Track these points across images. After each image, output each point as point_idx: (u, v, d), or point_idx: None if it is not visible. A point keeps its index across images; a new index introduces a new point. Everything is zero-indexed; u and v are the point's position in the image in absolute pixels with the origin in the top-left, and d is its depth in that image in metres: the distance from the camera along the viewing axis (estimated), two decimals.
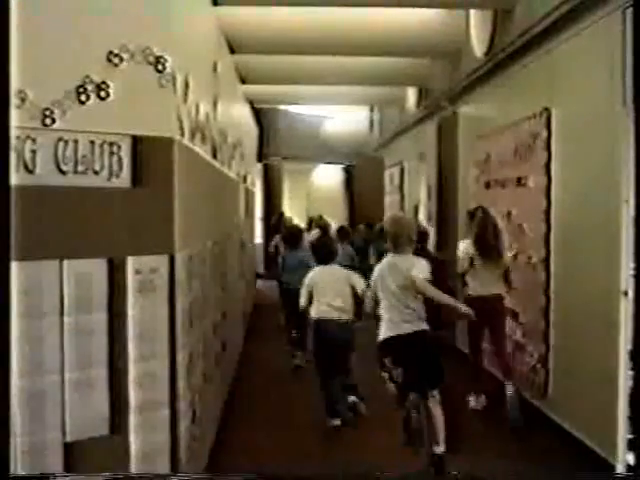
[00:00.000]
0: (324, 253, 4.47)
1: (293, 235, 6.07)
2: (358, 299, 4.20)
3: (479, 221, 4.42)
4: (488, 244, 4.38)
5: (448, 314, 4.06)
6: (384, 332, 3.54)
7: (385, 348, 3.54)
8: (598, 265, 3.64)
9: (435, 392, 3.48)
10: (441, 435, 3.45)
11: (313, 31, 5.68)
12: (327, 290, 4.27)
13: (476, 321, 3.69)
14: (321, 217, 8.00)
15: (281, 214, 9.13)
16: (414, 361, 3.46)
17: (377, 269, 3.68)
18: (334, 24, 5.63)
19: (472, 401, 4.63)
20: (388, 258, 3.64)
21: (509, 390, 4.22)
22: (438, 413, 3.46)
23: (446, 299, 3.49)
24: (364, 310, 3.92)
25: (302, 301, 4.39)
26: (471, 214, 4.60)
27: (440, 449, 3.45)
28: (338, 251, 4.65)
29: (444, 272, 4.90)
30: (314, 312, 4.32)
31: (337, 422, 4.24)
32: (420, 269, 3.48)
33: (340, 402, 4.33)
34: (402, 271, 3.49)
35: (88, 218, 2.40)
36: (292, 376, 5.66)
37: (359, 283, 4.25)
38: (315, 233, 7.04)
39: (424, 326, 3.50)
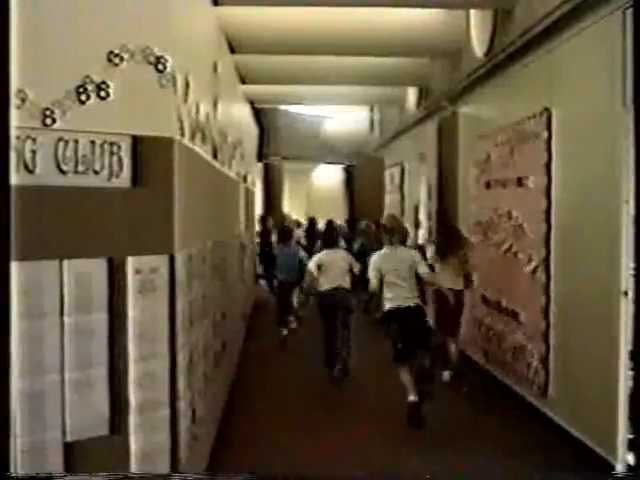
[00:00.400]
0: (330, 240, 5.85)
1: (285, 231, 7.38)
2: (354, 275, 5.62)
3: (442, 231, 5.85)
4: (451, 248, 5.52)
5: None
6: (390, 304, 4.62)
7: (391, 316, 4.63)
8: (598, 265, 3.64)
9: (426, 351, 4.58)
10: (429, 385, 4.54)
11: (313, 31, 5.68)
12: (334, 268, 5.54)
13: (444, 307, 5.14)
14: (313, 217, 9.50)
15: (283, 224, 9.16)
16: (413, 327, 4.54)
17: (378, 257, 4.73)
18: (334, 24, 5.63)
19: (444, 375, 5.42)
20: (386, 249, 4.77)
21: (452, 347, 5.45)
22: (430, 371, 4.59)
23: (438, 282, 4.95)
24: (370, 288, 4.75)
25: (313, 274, 5.56)
26: (447, 227, 5.97)
27: (428, 387, 4.52)
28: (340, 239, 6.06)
29: None
30: (323, 284, 5.51)
31: (336, 373, 5.40)
32: (418, 258, 4.70)
33: (337, 356, 5.47)
34: (404, 259, 4.64)
35: (88, 218, 2.40)
36: (292, 376, 5.66)
37: (355, 264, 5.66)
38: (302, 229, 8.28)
39: (419, 302, 4.65)
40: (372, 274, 4.66)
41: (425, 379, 4.51)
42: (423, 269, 4.67)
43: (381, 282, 4.60)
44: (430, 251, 6.23)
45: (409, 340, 4.48)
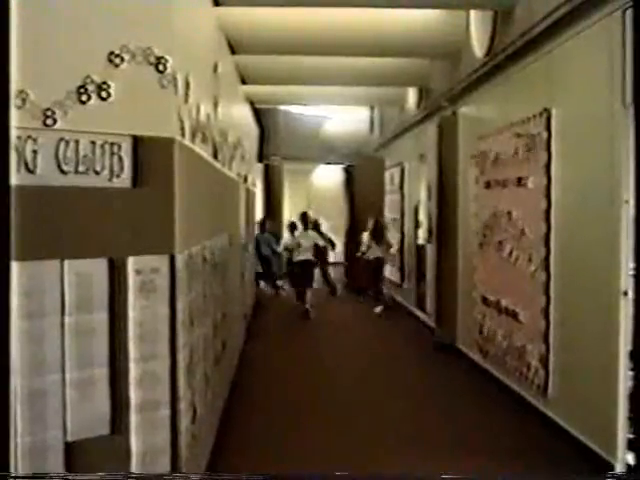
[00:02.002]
0: (305, 224, 9.65)
1: (262, 222, 11.10)
2: (318, 248, 9.51)
3: (374, 223, 9.60)
4: (378, 234, 9.49)
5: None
6: (297, 258, 9.06)
7: (297, 264, 9.10)
8: (598, 265, 3.64)
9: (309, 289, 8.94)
10: (308, 301, 8.82)
11: (313, 31, 5.69)
12: (306, 244, 9.19)
13: (369, 268, 9.53)
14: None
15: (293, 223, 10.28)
16: (306, 270, 9.02)
17: (296, 235, 9.33)
18: (334, 24, 5.63)
19: (376, 310, 9.20)
20: (301, 231, 9.41)
21: (386, 291, 9.60)
22: (309, 294, 8.88)
23: (322, 243, 9.70)
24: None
25: (287, 247, 9.36)
26: (375, 222, 9.65)
27: (307, 306, 8.80)
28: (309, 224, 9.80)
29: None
30: (298, 256, 9.11)
31: (307, 306, 8.87)
32: (316, 236, 9.51)
33: (305, 302, 8.92)
34: (309, 236, 9.33)
35: (89, 218, 2.40)
36: (293, 377, 5.67)
37: (319, 240, 9.55)
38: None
39: (311, 257, 9.15)
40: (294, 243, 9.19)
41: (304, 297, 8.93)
42: (321, 243, 9.60)
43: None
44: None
45: (303, 277, 8.99)
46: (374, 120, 12.37)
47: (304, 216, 9.84)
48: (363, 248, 9.61)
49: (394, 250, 9.70)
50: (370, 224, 9.54)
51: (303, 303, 8.89)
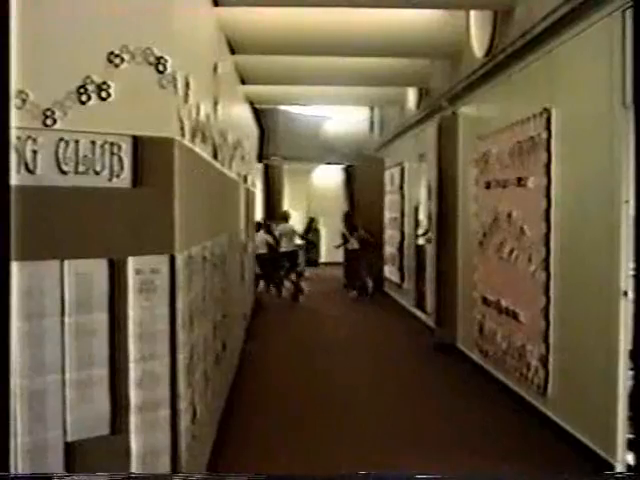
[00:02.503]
0: (284, 218, 10.79)
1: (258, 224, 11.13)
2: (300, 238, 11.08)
3: (345, 218, 11.18)
4: (352, 228, 10.86)
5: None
6: (282, 248, 10.22)
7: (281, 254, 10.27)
8: (598, 265, 3.64)
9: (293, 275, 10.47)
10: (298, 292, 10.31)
11: (313, 31, 5.68)
12: (288, 235, 10.38)
13: (352, 259, 10.97)
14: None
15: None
16: (289, 259, 10.39)
17: (280, 228, 10.48)
18: (334, 24, 5.63)
19: (351, 293, 10.76)
20: (283, 224, 10.63)
21: (369, 283, 10.60)
22: (301, 285, 10.59)
23: (349, 245, 11.04)
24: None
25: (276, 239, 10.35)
26: (345, 215, 11.46)
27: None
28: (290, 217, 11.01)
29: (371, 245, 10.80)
30: (283, 246, 10.21)
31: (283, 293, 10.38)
32: (294, 228, 10.91)
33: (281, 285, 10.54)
34: (287, 227, 10.56)
35: (89, 218, 2.40)
36: (293, 377, 5.67)
37: (299, 231, 11.22)
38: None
39: (294, 248, 10.54)
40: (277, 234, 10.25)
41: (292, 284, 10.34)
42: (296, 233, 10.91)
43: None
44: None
45: (286, 264, 10.33)
46: (374, 120, 12.37)
47: (284, 213, 11.29)
48: (341, 240, 11.29)
49: (373, 240, 10.79)
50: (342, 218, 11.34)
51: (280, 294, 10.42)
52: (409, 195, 9.26)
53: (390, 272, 10.50)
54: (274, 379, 5.60)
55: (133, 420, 2.49)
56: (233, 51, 5.68)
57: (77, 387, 2.37)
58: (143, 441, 2.51)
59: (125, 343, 2.47)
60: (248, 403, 4.85)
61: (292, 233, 10.61)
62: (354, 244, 10.67)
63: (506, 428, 4.27)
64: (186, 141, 2.86)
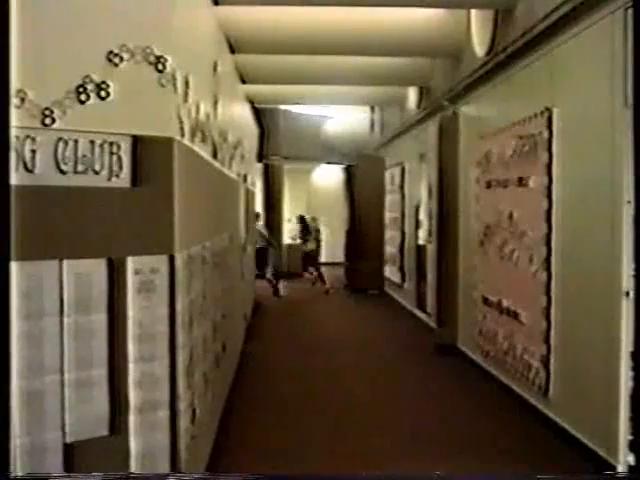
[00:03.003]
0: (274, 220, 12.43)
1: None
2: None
3: (299, 220, 12.29)
4: (306, 230, 12.00)
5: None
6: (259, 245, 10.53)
7: (259, 250, 10.39)
8: (599, 265, 3.63)
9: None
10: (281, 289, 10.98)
11: (313, 30, 5.67)
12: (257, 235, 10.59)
13: (308, 258, 12.03)
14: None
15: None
16: (266, 255, 10.91)
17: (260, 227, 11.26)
18: (334, 24, 5.62)
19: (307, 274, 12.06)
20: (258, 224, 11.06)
21: (328, 285, 11.43)
22: (281, 285, 11.02)
23: (305, 247, 12.15)
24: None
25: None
26: (299, 218, 12.40)
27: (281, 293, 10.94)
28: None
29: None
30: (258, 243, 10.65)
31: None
32: (263, 228, 11.35)
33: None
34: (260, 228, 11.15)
35: (88, 218, 2.39)
36: (293, 377, 5.66)
37: (266, 234, 11.17)
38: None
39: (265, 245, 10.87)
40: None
41: (276, 277, 10.91)
42: (266, 232, 11.09)
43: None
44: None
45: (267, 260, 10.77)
46: (374, 120, 12.36)
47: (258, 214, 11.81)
48: (299, 241, 12.54)
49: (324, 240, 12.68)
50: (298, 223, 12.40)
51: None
52: (410, 195, 9.25)
53: (391, 272, 10.49)
54: (274, 379, 5.59)
55: (132, 421, 2.48)
56: (233, 50, 5.67)
57: (76, 387, 2.36)
58: (142, 442, 2.51)
59: (124, 343, 2.46)
60: (248, 403, 4.84)
61: (259, 234, 10.70)
62: (311, 245, 12.06)
63: (507, 429, 4.26)
64: (186, 141, 2.85)
